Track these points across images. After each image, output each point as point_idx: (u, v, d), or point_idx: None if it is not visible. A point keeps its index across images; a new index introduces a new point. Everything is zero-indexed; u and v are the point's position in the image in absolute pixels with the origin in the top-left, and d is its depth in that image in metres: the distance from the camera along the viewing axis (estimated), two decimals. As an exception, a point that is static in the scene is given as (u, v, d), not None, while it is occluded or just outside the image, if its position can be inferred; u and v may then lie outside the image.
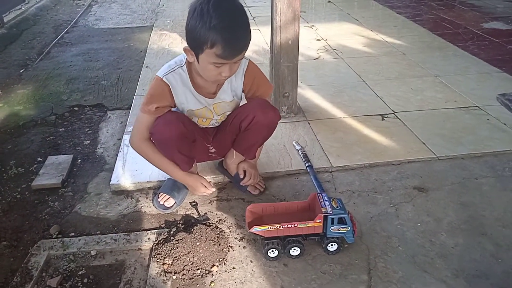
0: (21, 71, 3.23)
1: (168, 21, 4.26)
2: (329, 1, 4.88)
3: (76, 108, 2.64)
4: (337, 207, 1.49)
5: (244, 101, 1.71)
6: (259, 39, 3.58)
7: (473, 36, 3.66)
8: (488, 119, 2.34)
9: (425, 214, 1.70)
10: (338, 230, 1.48)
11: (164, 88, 1.54)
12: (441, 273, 1.43)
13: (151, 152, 1.64)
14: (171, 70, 1.54)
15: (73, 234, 1.64)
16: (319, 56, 3.30)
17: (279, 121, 1.69)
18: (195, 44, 1.38)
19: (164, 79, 1.53)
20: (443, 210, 1.71)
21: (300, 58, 2.31)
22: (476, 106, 2.48)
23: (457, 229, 1.62)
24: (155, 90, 1.55)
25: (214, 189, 1.77)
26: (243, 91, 1.67)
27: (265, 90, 1.69)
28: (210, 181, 1.80)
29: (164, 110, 1.56)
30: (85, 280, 1.44)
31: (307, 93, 2.67)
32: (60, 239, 1.60)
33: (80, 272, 1.47)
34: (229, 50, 1.34)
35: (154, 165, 1.71)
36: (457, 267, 1.46)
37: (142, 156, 1.68)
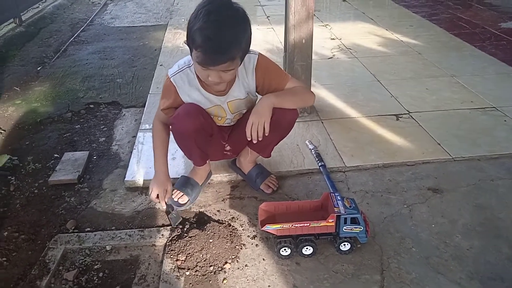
0: (38, 68, 3.29)
1: (183, 19, 4.29)
2: (344, 0, 4.85)
3: (91, 106, 2.68)
4: (350, 207, 1.49)
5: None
6: (273, 38, 3.56)
7: (491, 36, 3.60)
8: (505, 120, 2.31)
9: (440, 215, 1.68)
10: (351, 230, 1.47)
11: (172, 88, 1.58)
12: (455, 275, 1.42)
13: (153, 130, 1.68)
14: (179, 70, 1.57)
15: (88, 229, 1.66)
16: (334, 55, 3.29)
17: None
18: (187, 40, 1.40)
19: (171, 79, 1.57)
20: (458, 212, 1.69)
21: (314, 57, 2.31)
22: (493, 107, 2.44)
23: (472, 231, 1.60)
24: (165, 89, 1.62)
25: (164, 206, 1.63)
26: (256, 88, 1.62)
27: (280, 82, 1.60)
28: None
29: (172, 111, 1.60)
30: (101, 274, 1.47)
31: (321, 93, 2.66)
32: (76, 233, 1.63)
33: (95, 267, 1.50)
34: (205, 59, 1.35)
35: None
36: (472, 269, 1.44)
37: None
